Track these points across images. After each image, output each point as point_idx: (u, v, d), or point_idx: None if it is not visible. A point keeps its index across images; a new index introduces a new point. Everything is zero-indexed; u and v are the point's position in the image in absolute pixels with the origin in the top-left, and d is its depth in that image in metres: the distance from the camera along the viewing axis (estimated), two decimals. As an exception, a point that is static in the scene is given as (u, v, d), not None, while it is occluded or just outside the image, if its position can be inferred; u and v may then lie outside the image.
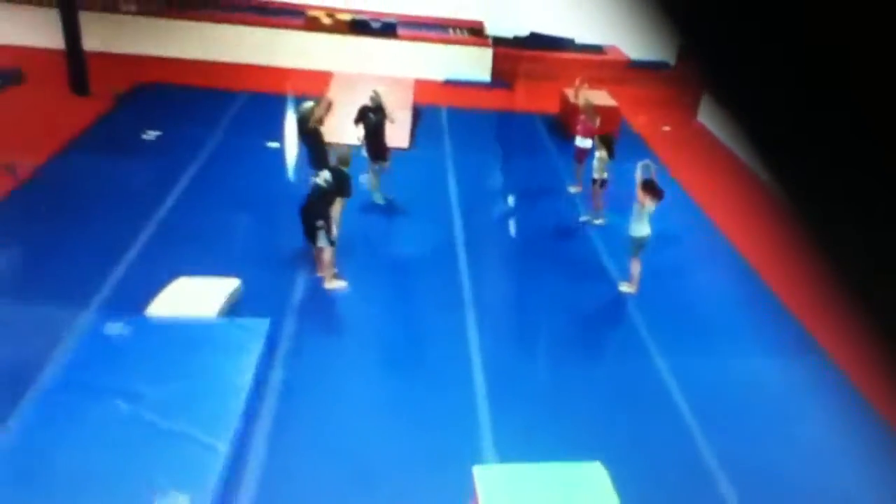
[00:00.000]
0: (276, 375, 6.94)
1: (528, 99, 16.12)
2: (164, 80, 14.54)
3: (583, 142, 11.17)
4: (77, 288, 7.86)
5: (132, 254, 8.66)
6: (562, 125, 14.48)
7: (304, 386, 6.89)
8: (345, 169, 8.36)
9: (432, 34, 17.50)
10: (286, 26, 16.69)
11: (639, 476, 6.11)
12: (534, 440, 6.56)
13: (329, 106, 9.62)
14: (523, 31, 18.25)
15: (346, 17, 16.96)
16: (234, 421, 5.87)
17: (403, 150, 12.54)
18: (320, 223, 7.96)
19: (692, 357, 7.97)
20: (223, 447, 5.59)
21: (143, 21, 16.04)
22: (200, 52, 16.01)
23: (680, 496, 6.23)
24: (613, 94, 14.63)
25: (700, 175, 12.73)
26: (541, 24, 18.05)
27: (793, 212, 0.78)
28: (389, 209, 10.56)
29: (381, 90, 10.76)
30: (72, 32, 12.99)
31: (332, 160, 8.58)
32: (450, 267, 9.26)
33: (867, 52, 0.68)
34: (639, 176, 8.65)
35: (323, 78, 14.65)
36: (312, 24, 16.78)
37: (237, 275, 7.99)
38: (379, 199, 10.59)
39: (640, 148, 13.28)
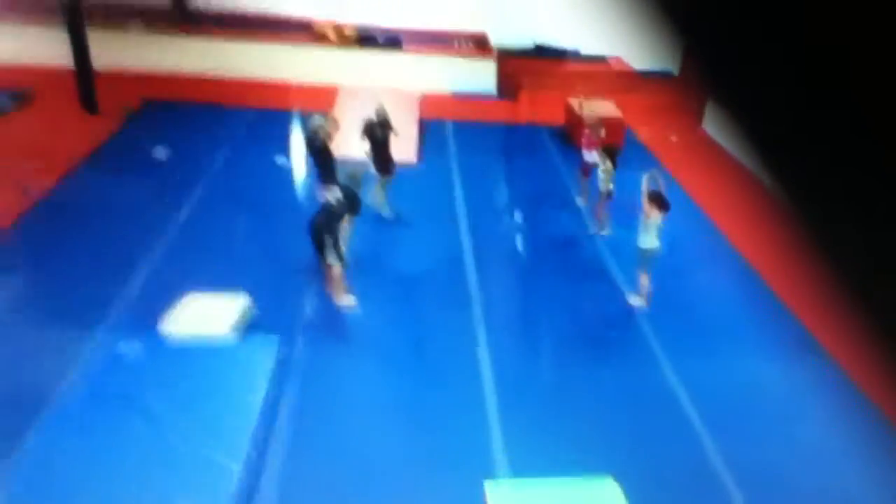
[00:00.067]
0: (288, 392, 6.99)
1: (534, 110, 16.17)
2: (172, 96, 14.66)
3: (589, 156, 11.21)
4: (90, 306, 7.94)
5: (144, 271, 8.74)
6: (567, 136, 14.54)
7: (315, 402, 6.93)
8: (355, 187, 8.45)
9: (437, 47, 17.60)
10: (293, 42, 16.82)
11: (647, 483, 6.16)
12: (543, 449, 6.60)
13: (336, 124, 9.72)
14: (528, 43, 18.35)
15: (353, 31, 17.07)
16: (246, 440, 5.92)
17: (410, 163, 12.62)
18: (329, 240, 8.03)
19: (700, 363, 8.01)
20: (236, 466, 5.64)
21: (151, 38, 16.19)
22: (208, 69, 16.13)
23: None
24: (618, 105, 14.69)
25: (706, 183, 12.75)
26: (545, 35, 18.14)
27: (793, 212, 0.78)
28: (397, 223, 10.62)
29: (385, 103, 10.86)
30: (80, 51, 13.14)
31: (343, 178, 8.66)
32: (458, 279, 9.31)
33: (867, 52, 0.68)
34: (645, 187, 8.68)
35: (330, 92, 14.74)
36: (319, 39, 16.90)
37: (248, 291, 8.05)
38: (387, 212, 10.65)
39: (645, 157, 13.32)
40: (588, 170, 11.36)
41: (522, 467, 6.37)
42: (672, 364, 7.97)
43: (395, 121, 10.95)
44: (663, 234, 8.65)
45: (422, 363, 7.74)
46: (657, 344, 8.32)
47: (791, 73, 0.72)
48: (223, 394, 6.36)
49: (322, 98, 14.30)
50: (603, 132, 11.22)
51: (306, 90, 15.73)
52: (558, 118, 15.25)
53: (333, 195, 8.33)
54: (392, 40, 17.08)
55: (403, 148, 12.48)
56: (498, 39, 18.12)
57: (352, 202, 8.33)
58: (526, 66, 17.53)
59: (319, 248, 8.18)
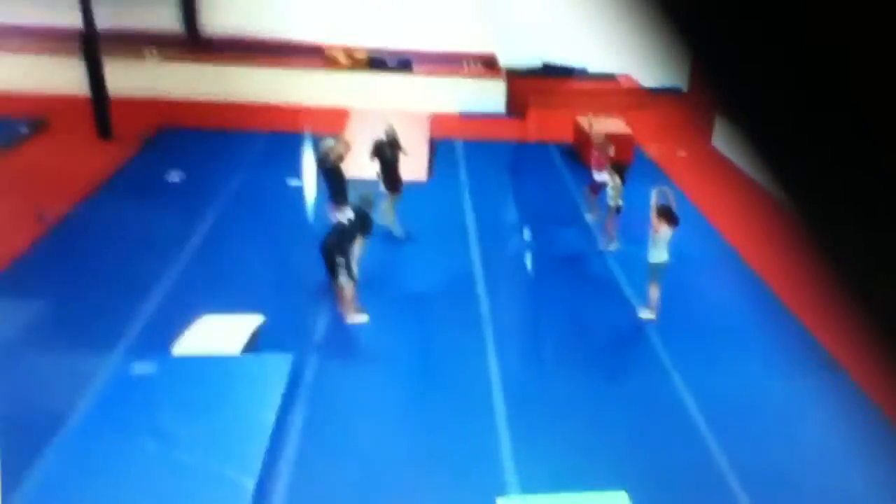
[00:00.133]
0: (300, 410, 7.05)
1: (543, 128, 16.27)
2: (187, 122, 14.89)
3: (599, 175, 11.23)
4: (106, 330, 8.05)
5: (158, 294, 8.85)
6: (576, 153, 14.61)
7: (326, 420, 6.98)
8: (367, 209, 8.55)
9: (447, 68, 17.77)
10: (305, 66, 17.05)
11: (659, 496, 6.16)
12: (554, 462, 6.61)
13: (347, 147, 9.84)
14: (536, 62, 18.49)
15: (363, 55, 17.29)
16: (258, 457, 5.96)
17: (421, 182, 12.73)
18: (341, 260, 8.11)
19: (710, 375, 8.00)
20: (249, 483, 5.69)
21: (166, 66, 16.48)
22: (222, 95, 16.36)
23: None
24: (627, 122, 14.76)
25: (715, 197, 12.75)
26: (553, 54, 18.28)
27: (794, 212, 0.78)
28: (408, 241, 10.69)
29: (396, 124, 11.01)
30: (96, 79, 13.41)
31: (356, 200, 8.76)
32: (469, 296, 9.35)
33: (867, 52, 0.68)
34: (654, 202, 8.71)
35: (342, 115, 14.92)
36: (330, 63, 17.13)
37: (261, 311, 8.14)
38: (398, 231, 10.74)
39: (655, 173, 13.35)
40: (597, 188, 11.40)
41: (533, 481, 6.37)
42: (682, 376, 7.96)
43: (406, 141, 11.09)
44: (673, 248, 8.66)
45: (432, 380, 7.77)
46: (667, 357, 8.31)
47: (791, 74, 0.73)
48: (236, 411, 6.42)
49: (334, 121, 14.47)
50: (612, 150, 11.27)
51: (318, 113, 15.91)
52: (567, 136, 15.34)
53: (345, 216, 8.44)
54: (402, 63, 17.28)
55: (414, 167, 12.60)
56: (507, 59, 18.29)
57: (364, 223, 8.42)
58: (534, 85, 17.66)
59: (331, 268, 8.26)
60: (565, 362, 8.29)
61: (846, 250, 0.78)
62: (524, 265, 10.65)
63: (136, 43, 16.80)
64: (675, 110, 18.21)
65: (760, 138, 0.80)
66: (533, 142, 15.79)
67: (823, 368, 8.21)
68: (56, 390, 7.05)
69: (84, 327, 8.14)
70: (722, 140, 15.59)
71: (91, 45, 13.23)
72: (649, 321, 8.92)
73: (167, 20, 18.27)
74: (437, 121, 15.42)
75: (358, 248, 8.35)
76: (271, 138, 14.56)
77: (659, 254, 8.60)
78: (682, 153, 15.38)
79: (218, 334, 7.54)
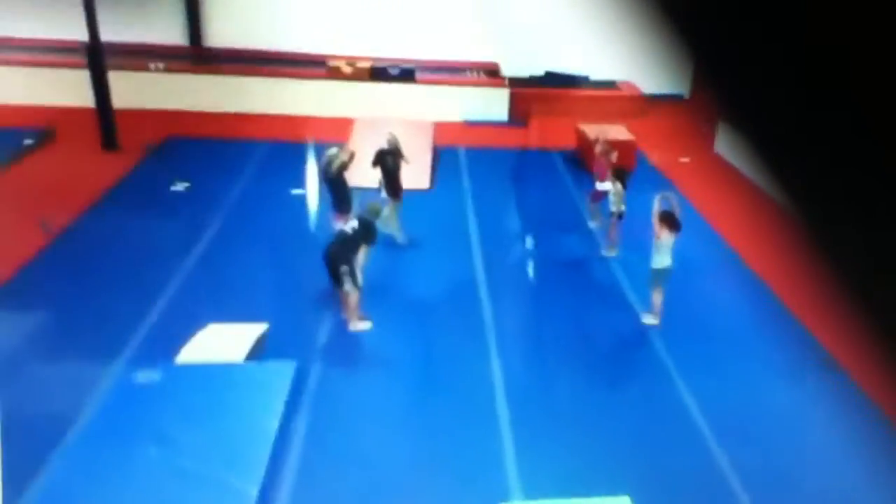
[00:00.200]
0: (303, 417, 7.06)
1: (545, 136, 16.32)
2: (191, 132, 14.98)
3: (602, 185, 11.24)
4: (110, 339, 8.08)
5: (163, 303, 8.89)
6: (579, 160, 14.65)
7: (330, 427, 6.99)
8: (372, 219, 8.58)
9: (450, 77, 17.86)
10: (309, 76, 17.15)
11: (663, 502, 6.11)
12: (557, 468, 6.62)
13: (352, 156, 9.92)
14: (538, 70, 18.57)
15: (366, 65, 17.38)
16: (262, 464, 5.98)
17: (424, 189, 12.78)
18: (344, 268, 8.15)
19: (715, 383, 7.97)
20: (253, 490, 5.70)
21: (171, 77, 16.59)
22: (226, 105, 16.46)
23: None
24: (629, 129, 14.80)
25: (718, 203, 12.76)
26: (555, 62, 18.35)
27: (794, 213, 0.78)
28: (411, 248, 10.72)
29: (400, 132, 11.08)
30: (101, 91, 13.52)
31: (362, 209, 8.80)
32: (472, 303, 9.36)
33: (867, 52, 0.68)
34: (657, 207, 8.73)
35: (345, 125, 14.98)
36: (334, 74, 17.22)
37: (265, 318, 8.18)
38: (400, 237, 10.77)
39: (657, 180, 13.36)
40: (598, 196, 11.39)
41: (536, 487, 6.37)
42: (685, 381, 7.96)
43: (409, 149, 11.14)
44: (676, 254, 8.67)
45: (435, 386, 7.78)
46: (670, 362, 8.31)
47: (791, 74, 0.73)
48: (239, 418, 6.44)
49: (338, 130, 14.53)
50: (615, 157, 11.29)
51: (322, 123, 15.99)
52: (569, 143, 15.38)
53: (349, 224, 8.48)
54: (405, 72, 17.35)
55: (417, 175, 12.65)
56: (509, 68, 18.37)
57: (368, 232, 8.45)
58: (537, 93, 17.74)
59: (334, 276, 8.29)
60: (568, 367, 8.29)
61: (846, 250, 0.78)
62: (527, 271, 10.66)
63: (141, 55, 16.95)
64: (677, 117, 18.25)
65: (761, 138, 0.81)
66: (536, 149, 15.83)
67: (826, 372, 8.19)
68: (61, 398, 7.09)
69: (88, 336, 8.18)
70: (725, 146, 15.60)
71: (96, 57, 13.34)
72: (652, 326, 8.92)
73: (172, 32, 18.45)
74: (440, 129, 15.47)
75: (362, 256, 8.38)
76: (275, 148, 14.63)
77: (661, 259, 8.61)
78: (685, 159, 15.39)
79: (222, 343, 7.57)
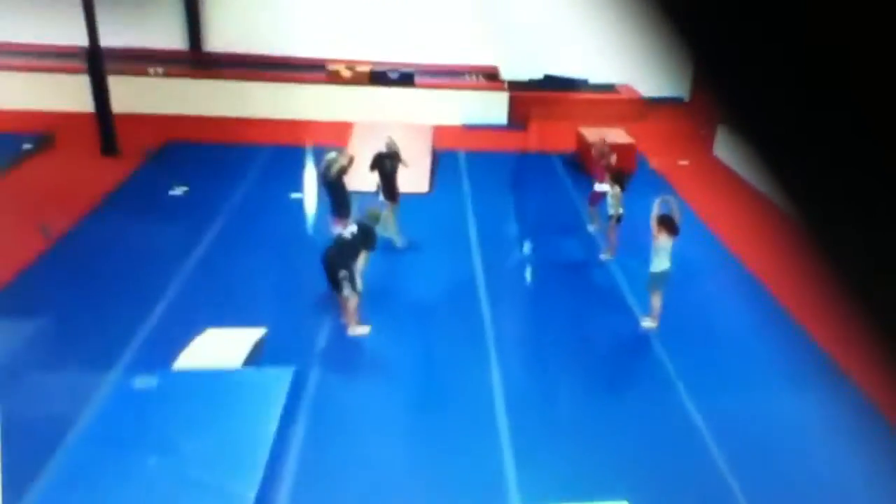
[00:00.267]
0: (301, 423, 7.04)
1: (545, 139, 16.32)
2: (190, 137, 14.98)
3: (600, 186, 11.25)
4: (108, 344, 8.07)
5: (162, 308, 8.88)
6: (578, 163, 14.65)
7: (328, 433, 6.97)
8: (372, 224, 8.57)
9: (449, 81, 17.87)
10: (308, 81, 17.16)
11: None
12: (557, 474, 6.59)
13: (351, 160, 9.93)
14: (538, 74, 18.58)
15: (366, 69, 17.39)
16: (259, 470, 5.96)
17: (424, 193, 12.77)
18: (343, 273, 8.13)
19: (717, 390, 7.93)
20: (250, 495, 5.68)
21: (170, 82, 16.61)
22: (226, 110, 16.47)
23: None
24: (629, 132, 14.80)
25: (718, 207, 12.75)
26: (555, 65, 18.37)
27: (793, 213, 0.78)
28: (411, 251, 10.71)
29: (396, 136, 11.09)
30: (101, 96, 13.53)
31: (362, 215, 8.79)
32: (471, 307, 9.35)
33: (867, 52, 0.68)
34: (656, 210, 8.72)
35: (345, 128, 14.98)
36: (333, 78, 17.24)
37: (264, 323, 8.17)
38: (400, 241, 10.76)
39: (657, 183, 13.35)
40: (596, 198, 11.38)
41: (536, 493, 6.35)
42: (685, 385, 7.93)
43: (408, 152, 11.14)
44: (674, 257, 8.65)
45: (434, 391, 7.77)
46: (670, 366, 8.29)
47: (791, 74, 0.73)
48: (237, 424, 6.42)
49: (337, 134, 14.52)
50: (613, 159, 11.28)
51: (321, 127, 15.99)
52: (569, 146, 15.38)
53: (347, 228, 8.47)
54: (405, 76, 17.37)
55: (417, 178, 12.66)
56: (509, 72, 18.38)
57: (367, 238, 8.43)
58: (536, 97, 17.75)
59: (333, 280, 8.28)
60: (568, 372, 8.27)
61: (846, 250, 0.78)
62: (526, 275, 10.65)
63: (140, 60, 16.97)
64: (676, 120, 18.25)
65: (760, 139, 0.80)
66: (535, 152, 15.83)
67: (827, 376, 8.17)
68: (59, 403, 7.07)
69: (88, 340, 8.17)
70: (724, 149, 15.60)
71: (96, 62, 13.35)
72: (651, 330, 8.90)
73: (171, 37, 18.48)
74: (439, 133, 15.47)
75: (362, 261, 8.36)
76: (274, 152, 14.64)
77: (660, 263, 8.59)
78: (684, 162, 15.39)
79: (220, 348, 7.56)
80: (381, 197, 10.66)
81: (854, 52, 0.69)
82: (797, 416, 7.66)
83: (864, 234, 0.75)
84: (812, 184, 0.78)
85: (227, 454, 6.04)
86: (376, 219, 8.78)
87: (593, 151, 11.66)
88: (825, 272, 0.79)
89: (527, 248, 11.45)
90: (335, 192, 9.87)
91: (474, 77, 18.40)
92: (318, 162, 12.12)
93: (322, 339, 8.50)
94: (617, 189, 10.34)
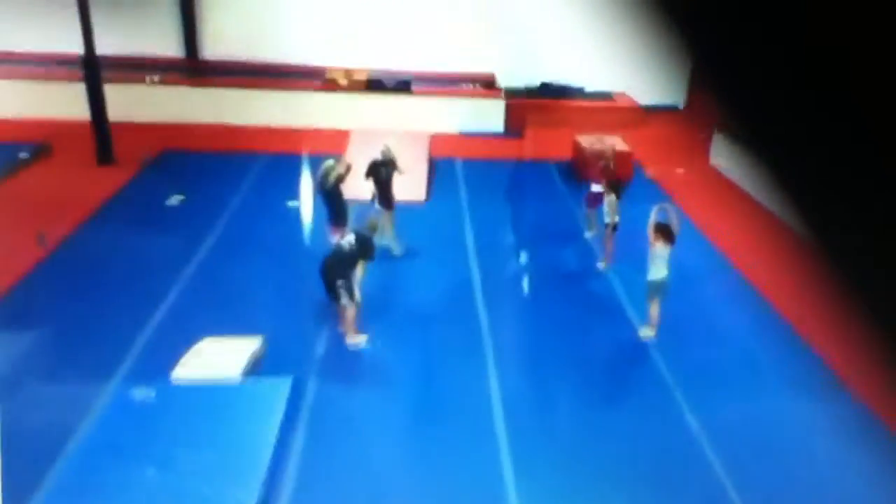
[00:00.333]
0: (300, 433, 7.03)
1: (542, 147, 16.35)
2: (187, 145, 14.98)
3: (596, 186, 11.29)
4: (106, 355, 8.04)
5: (158, 317, 8.86)
6: (575, 171, 14.68)
7: (326, 444, 6.96)
8: (370, 235, 8.56)
9: (446, 89, 17.90)
10: (305, 88, 17.18)
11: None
12: (556, 485, 6.58)
13: (348, 168, 9.95)
14: (534, 82, 18.64)
15: (363, 76, 17.42)
16: (258, 481, 5.95)
17: (421, 202, 12.78)
18: (341, 283, 8.13)
19: (714, 396, 7.95)
20: (249, 506, 5.67)
21: (167, 90, 16.61)
22: (222, 117, 16.47)
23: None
24: (626, 139, 14.84)
25: (715, 215, 12.78)
26: (551, 74, 18.43)
27: (793, 214, 0.77)
28: (408, 259, 10.71)
29: (392, 143, 11.10)
30: (97, 104, 13.52)
31: (360, 225, 8.79)
32: (469, 316, 9.35)
33: (867, 52, 0.68)
34: (653, 218, 8.73)
35: (342, 136, 14.98)
36: (330, 85, 17.26)
37: (262, 332, 8.15)
38: (397, 249, 10.76)
39: (653, 191, 13.38)
40: (594, 199, 11.36)
41: (534, 502, 6.34)
42: (684, 395, 7.92)
43: (405, 160, 11.14)
44: (673, 266, 8.66)
45: (433, 401, 7.76)
46: (669, 375, 8.29)
47: (791, 75, 0.73)
48: (236, 435, 6.41)
49: (334, 142, 14.53)
50: (612, 163, 11.31)
51: (319, 135, 15.99)
52: (565, 154, 15.41)
53: (345, 237, 8.47)
54: (401, 83, 17.40)
55: (414, 187, 12.67)
56: (505, 79, 18.43)
57: (365, 247, 8.42)
58: (533, 105, 17.80)
59: (331, 290, 8.27)
60: (566, 381, 8.26)
61: (845, 251, 0.78)
62: (524, 284, 10.65)
63: (137, 68, 16.96)
64: (672, 128, 18.31)
65: (760, 139, 0.80)
66: (531, 160, 15.86)
67: (826, 384, 8.17)
68: (57, 414, 7.04)
69: (85, 350, 8.14)
70: (720, 157, 15.64)
71: (92, 70, 13.35)
72: (649, 339, 8.90)
73: (168, 45, 18.48)
74: (436, 140, 15.48)
75: (360, 271, 8.35)
76: (271, 160, 14.64)
77: (657, 271, 8.60)
78: (681, 170, 15.43)
79: (218, 357, 7.54)
80: (377, 204, 10.67)
81: (854, 52, 0.69)
82: (796, 425, 7.66)
83: (863, 235, 0.75)
84: (811, 184, 0.78)
85: (227, 464, 6.03)
86: (374, 229, 8.78)
87: (589, 151, 11.69)
88: (824, 276, 0.79)
89: (524, 256, 11.46)
90: (332, 201, 9.87)
91: (471, 85, 18.44)
92: (314, 170, 12.11)
93: (320, 348, 8.49)
94: (613, 197, 10.36)
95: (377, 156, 10.87)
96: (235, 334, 8.10)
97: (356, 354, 8.45)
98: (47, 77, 16.13)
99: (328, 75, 17.41)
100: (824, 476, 6.94)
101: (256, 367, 7.68)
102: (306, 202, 12.78)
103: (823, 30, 0.70)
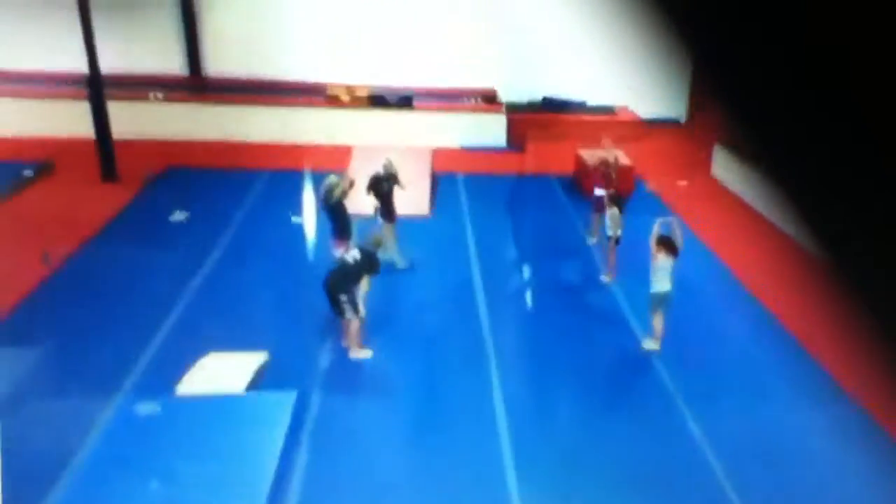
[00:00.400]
0: (304, 447, 7.02)
1: (544, 161, 16.38)
2: (191, 162, 15.04)
3: (599, 190, 11.31)
4: (111, 371, 8.05)
5: (163, 333, 8.88)
6: (577, 185, 14.71)
7: (330, 457, 6.95)
8: (374, 250, 8.58)
9: (448, 104, 17.98)
10: (307, 105, 17.26)
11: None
12: (561, 498, 6.55)
13: (351, 184, 10.01)
14: (536, 96, 18.72)
15: (365, 92, 17.50)
16: (263, 495, 5.94)
17: (424, 216, 12.81)
18: (344, 297, 8.14)
19: (718, 408, 7.94)
20: (254, 521, 5.66)
21: (170, 107, 16.70)
22: (226, 134, 16.55)
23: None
24: (627, 153, 14.85)
25: (717, 227, 12.79)
26: (553, 88, 18.51)
27: (793, 215, 0.77)
28: (412, 274, 10.73)
29: (395, 158, 11.16)
30: (101, 122, 13.60)
31: (364, 240, 8.81)
32: (472, 329, 9.35)
33: (867, 52, 0.68)
34: (655, 231, 8.75)
35: (344, 152, 15.03)
36: (332, 102, 17.35)
37: (266, 347, 8.17)
38: (401, 262, 10.78)
39: (655, 204, 13.40)
40: (600, 203, 11.33)
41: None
42: (688, 407, 7.91)
43: (408, 175, 11.20)
44: (676, 278, 8.66)
45: (437, 413, 7.75)
46: (673, 387, 8.27)
47: (791, 74, 0.73)
48: (240, 448, 6.41)
49: (337, 158, 14.57)
50: (614, 171, 11.33)
51: (321, 151, 16.05)
52: (567, 168, 15.44)
53: (349, 252, 8.49)
54: (403, 99, 17.48)
55: (417, 201, 12.70)
56: (507, 94, 18.51)
57: (370, 262, 8.44)
58: (534, 119, 17.86)
59: (335, 304, 8.29)
60: (570, 393, 8.25)
61: (846, 252, 0.77)
62: (528, 297, 10.65)
63: (140, 85, 17.07)
64: (673, 141, 18.35)
65: (761, 139, 0.80)
66: (533, 174, 15.89)
67: (828, 394, 8.15)
68: (63, 429, 7.04)
69: (90, 366, 8.16)
70: (721, 169, 15.67)
71: (96, 87, 13.44)
72: (653, 351, 8.89)
73: (171, 63, 18.59)
74: (438, 155, 15.53)
75: (364, 286, 8.36)
76: (275, 176, 14.69)
77: (661, 284, 8.60)
78: (683, 182, 15.45)
79: (222, 372, 7.55)
80: (379, 218, 10.71)
81: (854, 52, 0.69)
82: (799, 434, 7.65)
83: (863, 235, 0.75)
84: (811, 184, 0.78)
85: (231, 478, 6.02)
86: (378, 244, 8.80)
87: (583, 155, 11.74)
88: (825, 283, 0.78)
89: (527, 268, 11.46)
90: (336, 216, 9.91)
91: (473, 100, 18.52)
92: (318, 186, 12.15)
93: (324, 362, 8.49)
94: (615, 210, 10.37)
95: (379, 170, 10.93)
96: (240, 349, 8.12)
97: (359, 368, 8.46)
98: (51, 95, 16.23)
99: (330, 92, 17.50)
100: (826, 483, 6.92)
101: (259, 382, 7.69)
102: (309, 217, 12.82)
103: (823, 29, 0.70)
